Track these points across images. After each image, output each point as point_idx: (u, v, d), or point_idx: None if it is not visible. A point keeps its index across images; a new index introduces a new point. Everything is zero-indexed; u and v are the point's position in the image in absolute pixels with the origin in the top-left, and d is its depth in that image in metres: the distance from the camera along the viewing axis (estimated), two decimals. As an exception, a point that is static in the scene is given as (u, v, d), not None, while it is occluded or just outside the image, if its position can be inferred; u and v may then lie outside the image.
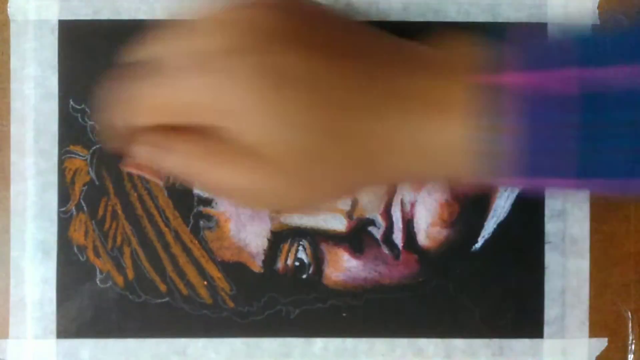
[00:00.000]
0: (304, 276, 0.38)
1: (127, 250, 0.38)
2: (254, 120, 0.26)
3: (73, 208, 0.38)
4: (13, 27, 0.38)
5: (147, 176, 0.38)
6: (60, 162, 0.38)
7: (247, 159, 0.27)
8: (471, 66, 0.27)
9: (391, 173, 0.29)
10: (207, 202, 0.38)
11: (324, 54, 0.27)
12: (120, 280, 0.38)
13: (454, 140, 0.26)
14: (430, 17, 0.38)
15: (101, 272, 0.38)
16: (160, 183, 0.37)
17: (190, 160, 0.28)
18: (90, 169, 0.38)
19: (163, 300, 0.38)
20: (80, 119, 0.38)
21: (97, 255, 0.38)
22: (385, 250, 0.38)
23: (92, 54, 0.38)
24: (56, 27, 0.38)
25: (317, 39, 0.27)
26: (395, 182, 0.30)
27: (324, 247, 0.38)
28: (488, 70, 0.26)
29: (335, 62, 0.27)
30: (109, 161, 0.38)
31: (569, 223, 0.38)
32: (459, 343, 0.38)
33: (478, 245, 0.38)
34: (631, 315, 0.39)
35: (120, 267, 0.38)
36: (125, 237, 0.38)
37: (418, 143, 0.27)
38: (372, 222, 0.38)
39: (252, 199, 0.30)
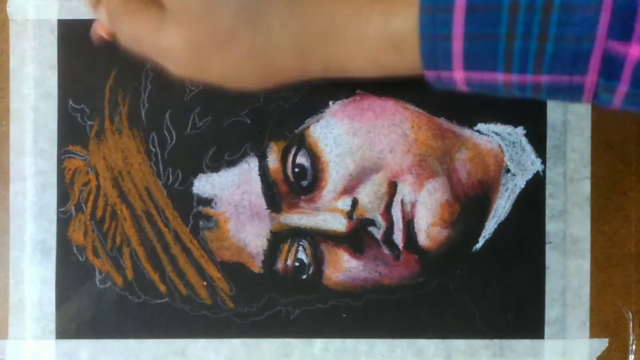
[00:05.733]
0: (304, 277, 0.38)
1: (126, 251, 0.38)
2: None
3: (72, 208, 0.38)
4: (12, 27, 0.38)
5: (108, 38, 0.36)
6: (60, 162, 0.38)
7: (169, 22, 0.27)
8: None
9: (331, 58, 0.28)
10: (207, 202, 0.38)
11: None
12: (119, 280, 0.38)
13: (400, 24, 0.25)
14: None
15: (100, 273, 0.38)
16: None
17: (138, 26, 0.28)
18: (89, 168, 0.38)
19: (162, 300, 0.38)
20: (79, 119, 0.38)
21: (97, 255, 0.38)
22: (385, 250, 0.38)
23: (91, 54, 0.38)
24: (56, 26, 0.38)
25: None
26: (337, 72, 0.29)
27: (324, 247, 0.38)
28: None
29: None
30: (108, 160, 0.38)
31: (570, 223, 0.38)
32: (459, 343, 0.38)
33: (479, 245, 0.38)
34: (632, 316, 0.39)
35: (119, 268, 0.38)
36: (125, 238, 0.38)
37: (362, 27, 0.26)
38: (372, 223, 0.38)
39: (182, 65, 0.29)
